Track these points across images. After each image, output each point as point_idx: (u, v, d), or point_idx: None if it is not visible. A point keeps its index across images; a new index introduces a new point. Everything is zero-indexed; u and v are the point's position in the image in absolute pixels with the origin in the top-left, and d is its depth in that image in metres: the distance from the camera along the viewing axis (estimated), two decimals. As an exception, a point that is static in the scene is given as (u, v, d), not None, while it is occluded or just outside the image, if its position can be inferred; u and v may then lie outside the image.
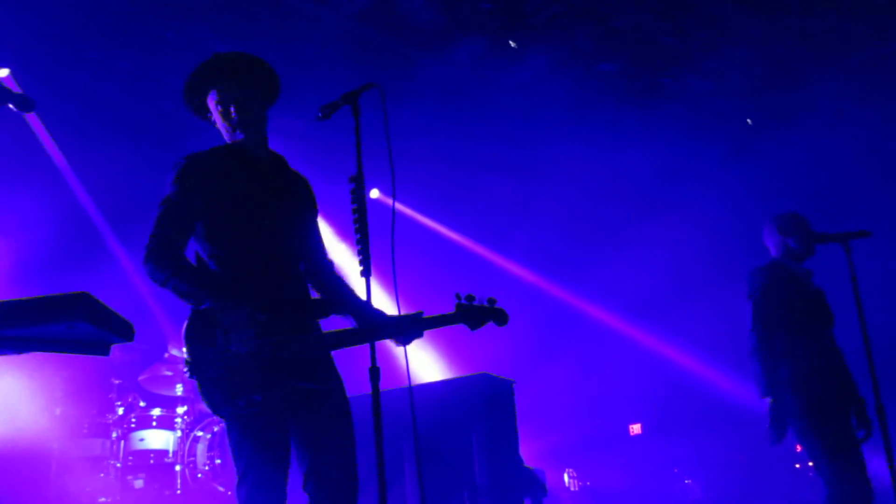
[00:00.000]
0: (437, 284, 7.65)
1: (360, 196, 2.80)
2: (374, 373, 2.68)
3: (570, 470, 8.93)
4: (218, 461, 6.82)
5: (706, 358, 9.42)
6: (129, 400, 7.02)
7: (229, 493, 6.63)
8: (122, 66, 7.33)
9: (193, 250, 3.03)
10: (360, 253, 2.78)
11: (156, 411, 6.96)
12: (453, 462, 5.63)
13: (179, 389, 7.16)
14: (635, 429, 9.89)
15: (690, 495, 8.97)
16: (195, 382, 2.77)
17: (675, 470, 9.20)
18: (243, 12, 6.83)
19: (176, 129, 6.87)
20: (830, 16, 7.37)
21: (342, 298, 3.19)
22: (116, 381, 7.04)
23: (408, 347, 3.11)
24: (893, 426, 4.18)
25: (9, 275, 7.07)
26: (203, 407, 7.02)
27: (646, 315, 9.89)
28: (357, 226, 2.79)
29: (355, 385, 3.45)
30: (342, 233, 9.36)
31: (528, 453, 6.69)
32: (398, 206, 3.10)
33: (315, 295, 3.20)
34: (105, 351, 2.24)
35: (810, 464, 5.80)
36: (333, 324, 3.12)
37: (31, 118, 7.60)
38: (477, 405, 5.74)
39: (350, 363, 3.49)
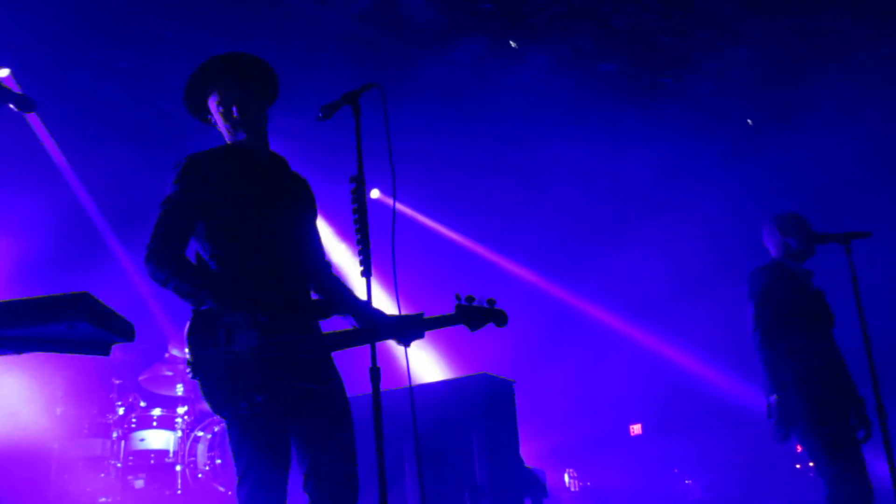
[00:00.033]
0: (437, 284, 7.66)
1: (360, 196, 2.80)
2: (375, 373, 2.68)
3: (571, 470, 8.93)
4: (218, 461, 6.82)
5: (706, 358, 9.42)
6: (130, 400, 7.03)
7: (230, 493, 6.62)
8: (122, 66, 7.33)
9: (194, 250, 3.03)
10: (360, 253, 2.78)
11: (156, 411, 6.96)
12: (454, 462, 5.62)
13: (180, 389, 7.16)
14: (636, 429, 9.89)
15: (691, 495, 8.97)
16: (196, 383, 2.77)
17: (676, 470, 9.20)
18: (243, 12, 6.84)
19: (176, 129, 6.86)
20: (830, 16, 7.37)
21: (342, 299, 3.19)
22: (117, 381, 7.04)
23: (408, 348, 3.11)
24: (893, 426, 4.18)
25: (9, 275, 7.07)
26: (203, 407, 7.04)
27: (646, 315, 9.89)
28: (357, 226, 2.79)
29: (356, 385, 3.45)
30: (342, 233, 9.36)
31: (529, 453, 6.68)
32: (398, 206, 3.10)
33: (315, 296, 3.20)
34: (105, 351, 2.24)
35: (811, 464, 5.81)
36: (334, 324, 3.12)
37: (32, 118, 7.60)
38: (477, 405, 5.73)
39: (350, 363, 3.49)
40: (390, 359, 4.09)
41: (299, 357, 2.89)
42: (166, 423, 6.94)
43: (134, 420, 6.90)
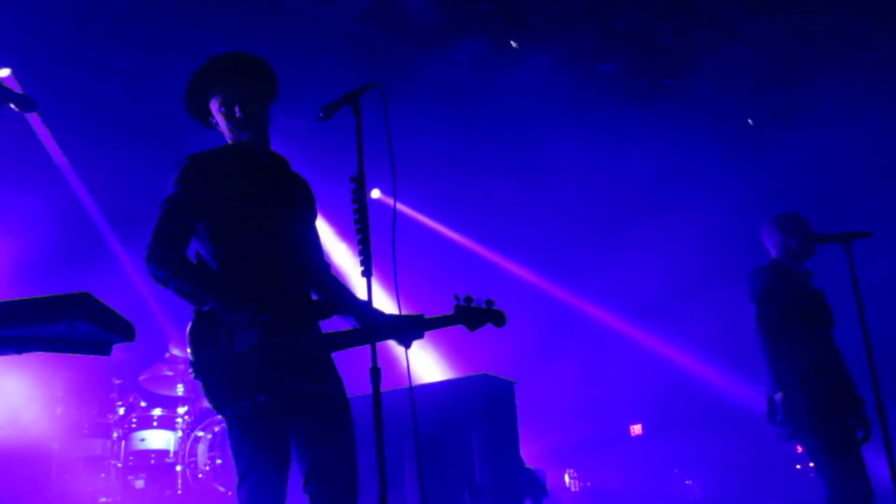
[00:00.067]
0: (437, 284, 7.66)
1: (361, 196, 2.80)
2: (375, 373, 2.69)
3: (571, 470, 8.93)
4: (219, 461, 6.82)
5: (706, 358, 9.42)
6: (130, 400, 7.03)
7: (230, 493, 6.62)
8: (122, 66, 7.33)
9: (194, 250, 3.04)
10: (361, 253, 2.78)
11: (157, 411, 6.97)
12: (454, 462, 5.63)
13: (180, 389, 7.16)
14: (636, 429, 9.89)
15: (691, 496, 8.97)
16: (197, 382, 2.78)
17: (676, 470, 9.20)
18: (243, 12, 6.83)
19: (176, 129, 6.83)
20: (830, 16, 7.37)
21: (342, 299, 3.19)
22: (117, 381, 7.04)
23: (408, 348, 3.11)
24: (893, 426, 4.18)
25: (9, 275, 7.07)
26: (204, 407, 7.05)
27: (646, 315, 9.89)
28: (358, 226, 2.79)
29: (356, 385, 3.45)
30: (343, 233, 9.37)
31: (529, 454, 6.69)
32: (399, 206, 3.10)
33: (315, 296, 3.20)
34: (106, 351, 2.24)
35: (811, 464, 5.81)
36: (334, 324, 3.13)
37: (32, 118, 7.60)
38: (477, 405, 5.74)
39: (350, 363, 3.49)
40: (390, 359, 4.10)
41: (299, 357, 2.89)
42: (167, 423, 6.95)
43: (134, 420, 6.90)
